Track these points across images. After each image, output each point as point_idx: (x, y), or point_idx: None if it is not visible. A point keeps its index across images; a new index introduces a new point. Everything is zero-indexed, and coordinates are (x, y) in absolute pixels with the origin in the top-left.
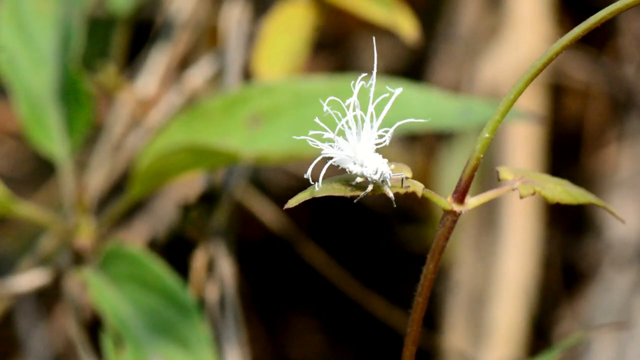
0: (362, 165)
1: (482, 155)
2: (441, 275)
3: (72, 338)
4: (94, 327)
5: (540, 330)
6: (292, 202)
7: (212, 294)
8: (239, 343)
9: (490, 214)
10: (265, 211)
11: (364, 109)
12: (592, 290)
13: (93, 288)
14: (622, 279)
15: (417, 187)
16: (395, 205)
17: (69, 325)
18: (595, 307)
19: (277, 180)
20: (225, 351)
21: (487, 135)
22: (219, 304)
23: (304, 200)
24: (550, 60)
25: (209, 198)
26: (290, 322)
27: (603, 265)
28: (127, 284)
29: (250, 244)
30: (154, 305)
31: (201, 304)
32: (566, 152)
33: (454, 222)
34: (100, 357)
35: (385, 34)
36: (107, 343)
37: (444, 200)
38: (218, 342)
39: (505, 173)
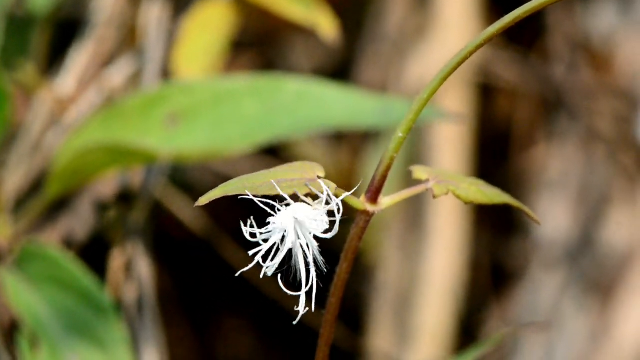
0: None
1: (395, 155)
2: (368, 276)
3: None
4: (10, 328)
5: (468, 331)
6: (204, 200)
7: (129, 294)
8: (157, 343)
9: (416, 213)
10: (187, 211)
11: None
12: (521, 290)
13: (9, 288)
14: (551, 279)
15: (330, 187)
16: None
17: None
18: (523, 307)
19: (203, 181)
20: (143, 351)
21: (400, 134)
22: (136, 304)
23: (215, 197)
24: (465, 59)
25: (127, 197)
26: (218, 322)
27: (531, 265)
28: (43, 283)
29: (176, 243)
30: (70, 305)
31: (118, 304)
32: (496, 151)
33: (367, 222)
34: (16, 358)
35: (314, 34)
36: (23, 343)
37: (357, 200)
38: (135, 342)
39: (419, 173)
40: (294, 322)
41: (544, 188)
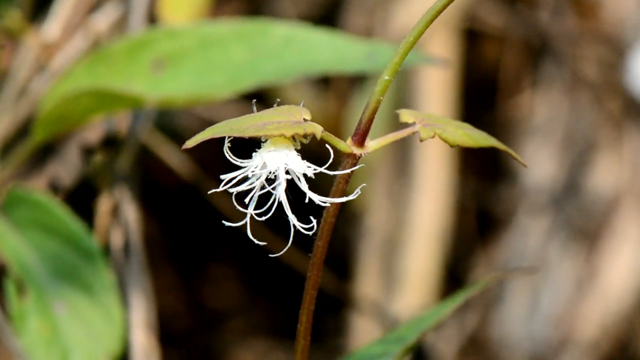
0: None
1: (382, 98)
2: (354, 222)
3: None
4: None
5: (454, 276)
6: (190, 143)
7: (117, 239)
8: (144, 289)
9: (403, 160)
10: (173, 157)
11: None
12: (507, 236)
13: None
14: (537, 225)
15: (316, 130)
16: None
17: None
18: (510, 254)
19: (189, 126)
20: (130, 297)
21: (386, 77)
22: (123, 249)
23: (202, 139)
24: (450, 1)
25: (113, 142)
26: (205, 269)
27: (518, 211)
28: (30, 229)
29: (163, 189)
30: (57, 250)
31: (106, 250)
32: (482, 98)
33: (354, 164)
34: (3, 304)
35: None
36: (10, 289)
37: (343, 143)
38: (122, 288)
39: (406, 116)
40: (274, 255)
41: (530, 134)
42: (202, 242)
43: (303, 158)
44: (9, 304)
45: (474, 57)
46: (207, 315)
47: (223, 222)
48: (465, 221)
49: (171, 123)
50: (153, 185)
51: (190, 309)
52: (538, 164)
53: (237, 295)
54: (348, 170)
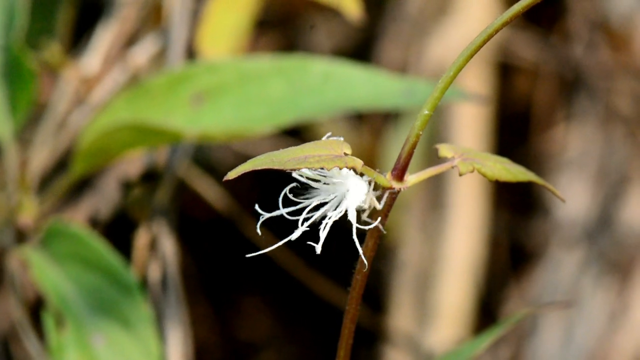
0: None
1: (421, 132)
2: (388, 255)
3: (15, 317)
4: (36, 306)
5: (488, 310)
6: (232, 174)
7: (154, 273)
8: (181, 322)
9: (437, 193)
10: (210, 191)
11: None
12: (540, 270)
13: (35, 266)
14: (570, 259)
15: (357, 163)
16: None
17: (11, 305)
18: (542, 287)
19: (225, 161)
20: (167, 330)
21: (426, 112)
22: (161, 283)
23: (243, 172)
24: (490, 36)
25: (152, 176)
26: (240, 303)
27: (551, 245)
28: (69, 262)
29: (199, 223)
30: (96, 284)
31: (143, 283)
32: (515, 131)
33: (393, 199)
34: (42, 336)
35: (336, 13)
36: (49, 322)
37: (383, 178)
38: (160, 321)
39: (445, 151)
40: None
41: (563, 168)
42: (237, 275)
43: None
44: (48, 337)
45: (507, 90)
46: (241, 348)
47: (257, 253)
48: (498, 255)
49: (208, 157)
50: (189, 219)
51: (224, 341)
52: (571, 197)
53: (270, 328)
54: (388, 204)
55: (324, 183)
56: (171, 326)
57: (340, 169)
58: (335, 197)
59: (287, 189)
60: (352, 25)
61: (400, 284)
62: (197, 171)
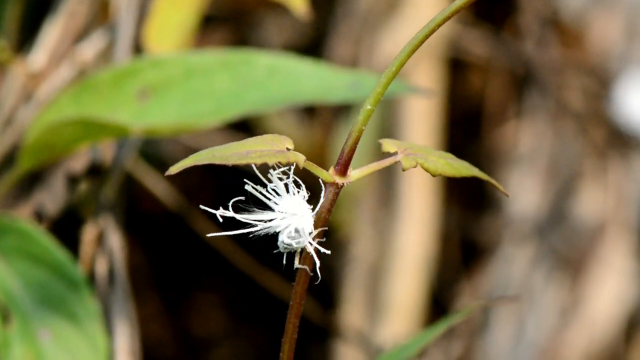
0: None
1: (364, 127)
2: (339, 251)
3: None
4: None
5: (439, 306)
6: (174, 169)
7: (101, 268)
8: (129, 317)
9: (388, 189)
10: (158, 185)
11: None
12: (492, 265)
13: None
14: (521, 254)
15: (299, 159)
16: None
17: None
18: (494, 282)
19: (174, 155)
20: (115, 325)
21: (368, 107)
22: (108, 278)
23: (186, 166)
24: (433, 31)
25: (98, 171)
26: (190, 297)
27: (502, 240)
28: (15, 257)
29: (147, 218)
30: (42, 279)
31: (91, 278)
32: (467, 127)
33: (336, 194)
34: None
35: (286, 10)
36: None
37: (326, 173)
38: (107, 316)
39: (388, 146)
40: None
41: (515, 163)
42: (187, 270)
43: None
44: None
45: (459, 87)
46: (192, 343)
47: (207, 248)
48: (449, 250)
49: (156, 151)
50: (138, 213)
51: (175, 337)
52: (523, 193)
53: (222, 323)
54: (331, 200)
55: (275, 202)
56: (118, 321)
57: (283, 164)
58: (285, 215)
59: (231, 203)
60: (302, 22)
61: (351, 280)
62: (145, 166)
